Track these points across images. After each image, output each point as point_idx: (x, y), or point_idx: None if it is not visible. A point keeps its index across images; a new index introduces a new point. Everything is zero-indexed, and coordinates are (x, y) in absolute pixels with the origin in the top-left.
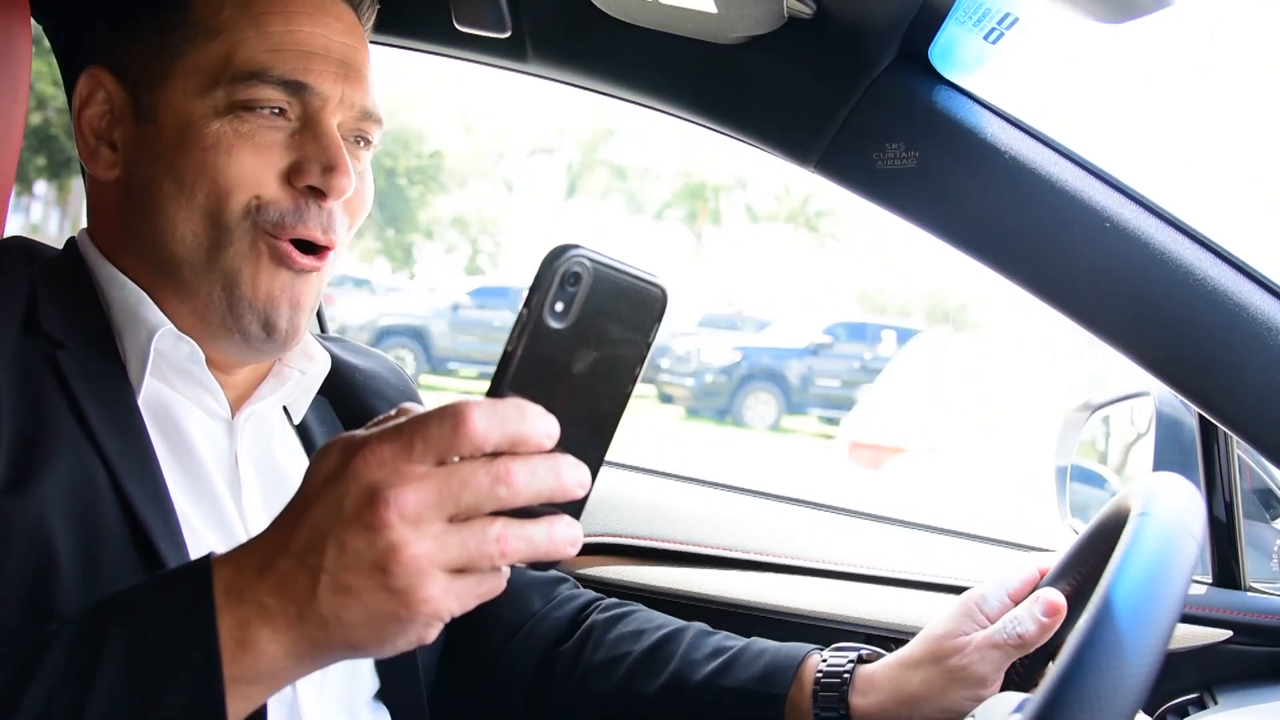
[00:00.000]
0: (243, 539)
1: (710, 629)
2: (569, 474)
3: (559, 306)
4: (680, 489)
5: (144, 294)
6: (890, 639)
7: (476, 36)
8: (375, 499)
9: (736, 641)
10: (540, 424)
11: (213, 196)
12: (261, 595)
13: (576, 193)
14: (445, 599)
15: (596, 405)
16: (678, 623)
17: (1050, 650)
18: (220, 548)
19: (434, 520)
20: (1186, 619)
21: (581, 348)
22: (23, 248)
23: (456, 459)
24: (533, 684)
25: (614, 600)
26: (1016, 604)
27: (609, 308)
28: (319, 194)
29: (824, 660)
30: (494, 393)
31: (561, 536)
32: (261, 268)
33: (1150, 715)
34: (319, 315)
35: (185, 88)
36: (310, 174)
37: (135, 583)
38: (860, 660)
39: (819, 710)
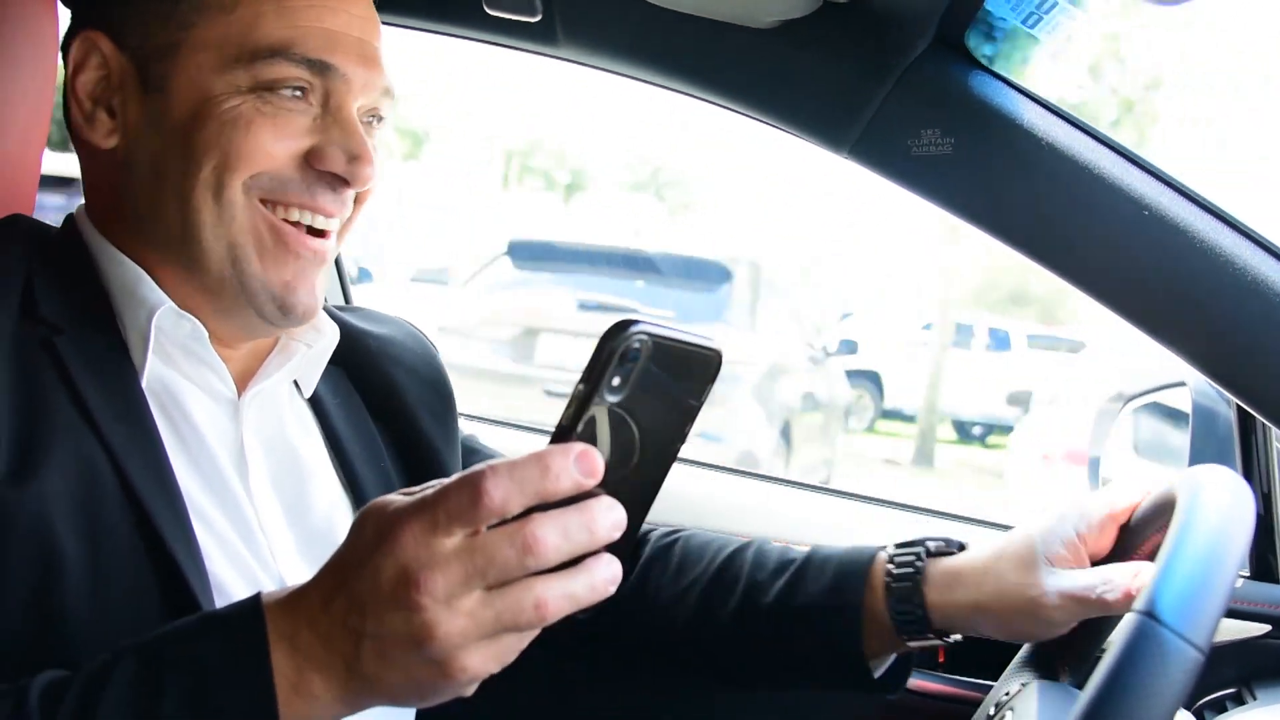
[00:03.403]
0: (251, 521)
1: (769, 542)
2: (603, 521)
3: (615, 381)
4: (709, 477)
5: (142, 272)
6: None
7: (506, 20)
8: (407, 580)
9: (800, 553)
10: (567, 474)
11: (218, 170)
12: (313, 646)
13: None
14: (485, 664)
15: (646, 463)
16: (734, 541)
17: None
18: (229, 531)
19: (465, 596)
20: (1225, 613)
21: (634, 416)
22: (22, 228)
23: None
24: (594, 630)
25: (660, 529)
26: (1112, 518)
27: (663, 377)
28: (340, 181)
29: (891, 560)
30: None
31: (603, 580)
32: (266, 251)
33: (1189, 710)
34: (343, 286)
35: (200, 62)
36: (334, 161)
37: (184, 621)
38: (929, 554)
39: (894, 612)
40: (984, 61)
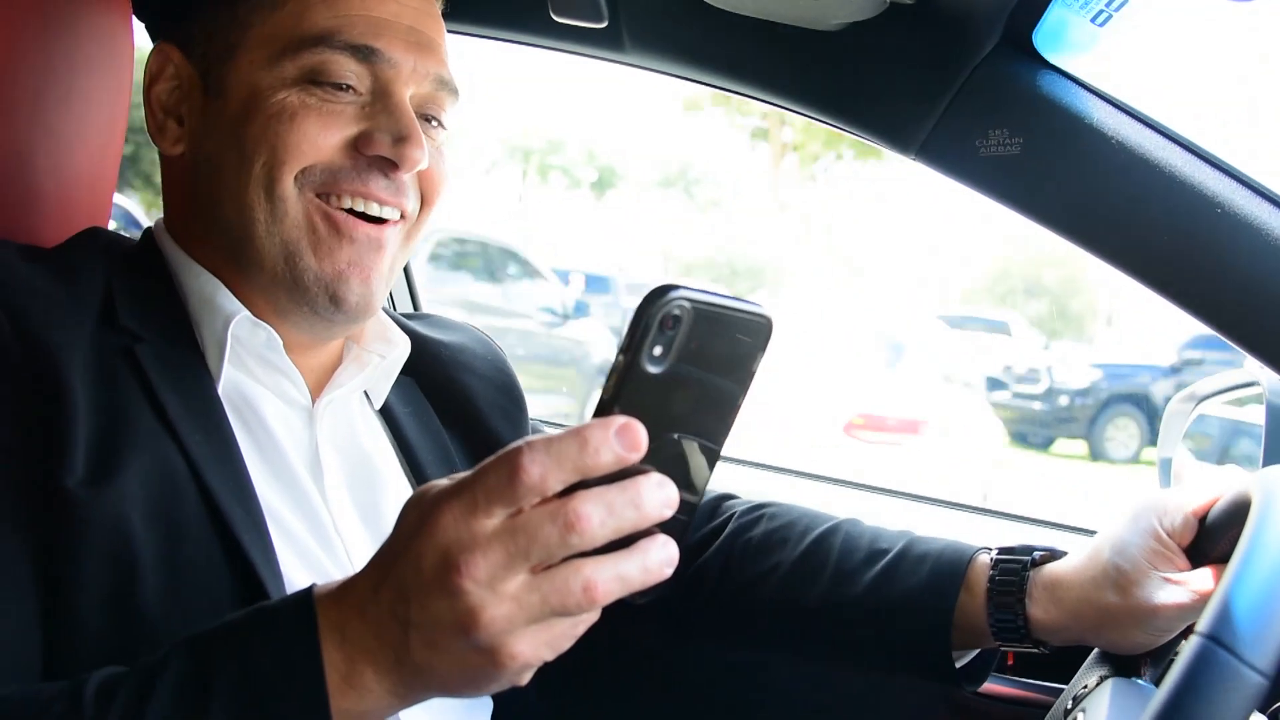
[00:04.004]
0: (327, 524)
1: (859, 523)
2: (651, 499)
3: (657, 351)
4: (786, 483)
5: (218, 282)
6: None
7: (573, 27)
8: (448, 564)
9: (892, 541)
10: (607, 448)
11: (268, 165)
12: (364, 637)
13: None
14: (536, 651)
15: (699, 437)
16: (823, 520)
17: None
18: (305, 534)
19: (509, 579)
20: None
21: (681, 387)
22: (100, 240)
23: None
24: (678, 603)
25: (745, 501)
26: (1199, 520)
27: (709, 345)
28: (389, 165)
29: (995, 567)
30: None
31: (657, 562)
32: (320, 240)
33: (1264, 714)
34: (412, 293)
35: (253, 59)
36: (380, 144)
37: (235, 615)
38: (1034, 563)
39: (994, 619)
40: (1051, 60)
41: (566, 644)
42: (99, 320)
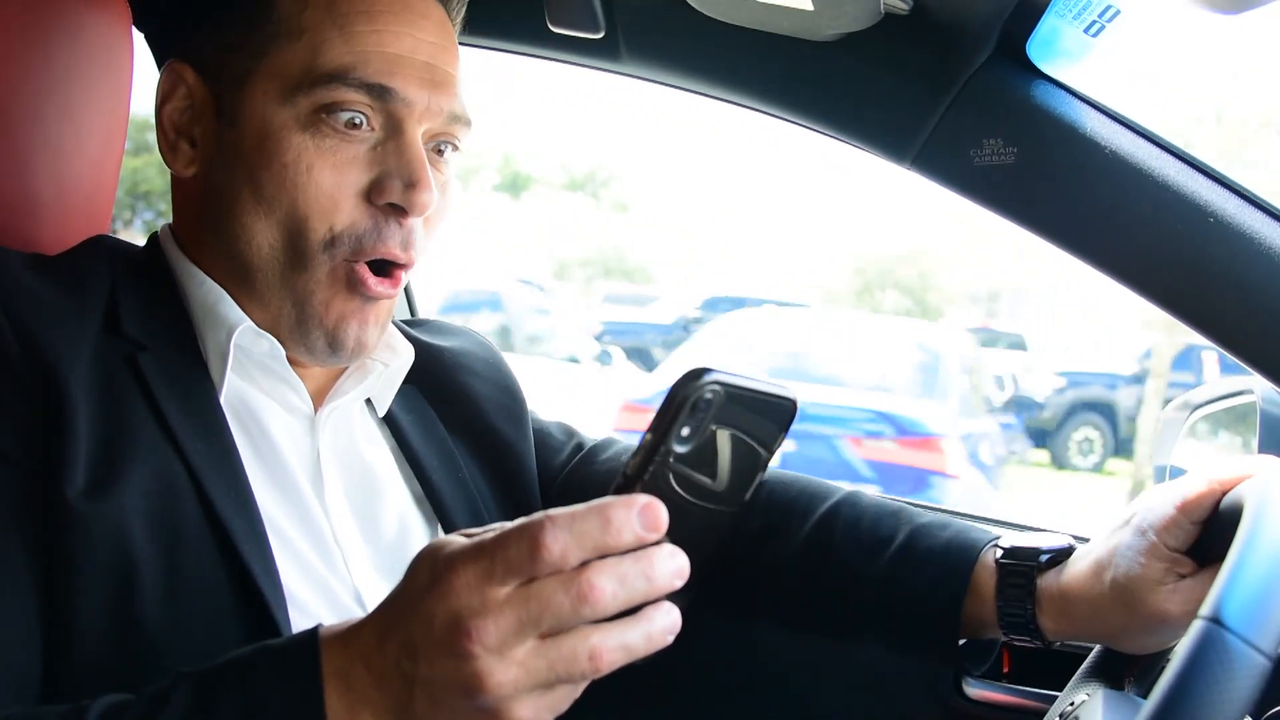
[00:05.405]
0: (327, 535)
1: (858, 503)
2: (663, 570)
3: (685, 431)
4: None
5: (223, 292)
6: None
7: (570, 37)
8: (459, 628)
9: (892, 528)
10: (629, 528)
11: (292, 218)
12: (366, 686)
13: None
14: (537, 714)
15: (716, 510)
16: (821, 498)
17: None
18: (304, 545)
19: (518, 645)
20: None
21: (704, 465)
22: (104, 246)
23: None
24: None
25: None
26: (1186, 515)
27: (735, 425)
28: (400, 211)
29: (1000, 571)
30: None
31: (660, 629)
32: (336, 293)
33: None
34: (409, 300)
35: (267, 90)
36: (392, 191)
37: (241, 652)
38: (1040, 567)
39: (1004, 616)
40: (1046, 70)
41: (565, 706)
42: (102, 328)
